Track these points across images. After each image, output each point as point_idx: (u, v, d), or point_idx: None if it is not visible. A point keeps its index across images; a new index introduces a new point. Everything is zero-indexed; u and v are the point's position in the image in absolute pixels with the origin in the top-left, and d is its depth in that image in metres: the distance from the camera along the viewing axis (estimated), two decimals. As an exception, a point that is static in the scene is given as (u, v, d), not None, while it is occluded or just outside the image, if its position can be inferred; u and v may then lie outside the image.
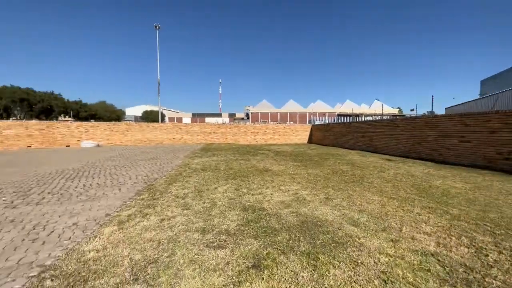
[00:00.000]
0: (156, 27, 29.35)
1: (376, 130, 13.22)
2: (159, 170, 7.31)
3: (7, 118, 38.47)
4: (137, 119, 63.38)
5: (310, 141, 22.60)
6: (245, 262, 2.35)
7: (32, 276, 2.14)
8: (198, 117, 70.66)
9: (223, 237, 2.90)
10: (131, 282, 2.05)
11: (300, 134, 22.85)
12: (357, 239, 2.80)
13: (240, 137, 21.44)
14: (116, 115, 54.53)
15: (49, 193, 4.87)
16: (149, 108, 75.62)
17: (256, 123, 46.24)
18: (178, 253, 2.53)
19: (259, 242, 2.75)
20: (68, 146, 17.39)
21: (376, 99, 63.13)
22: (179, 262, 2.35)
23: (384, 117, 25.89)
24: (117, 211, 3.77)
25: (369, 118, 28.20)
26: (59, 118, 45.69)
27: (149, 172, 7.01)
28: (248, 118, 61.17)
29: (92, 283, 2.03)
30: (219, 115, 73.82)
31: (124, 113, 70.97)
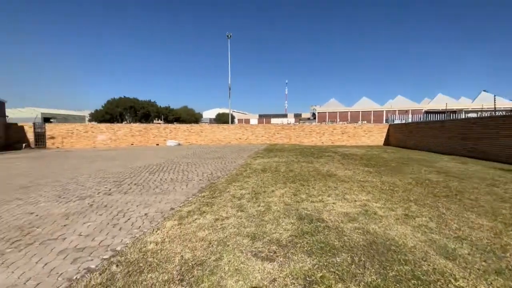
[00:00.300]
0: (228, 36, 31.73)
1: (486, 130, 10.20)
2: (223, 169, 7.70)
3: (121, 122, 49.55)
4: (211, 121, 70.59)
5: (387, 143, 19.65)
6: (293, 283, 2.03)
7: (104, 259, 2.45)
8: (264, 118, 72.85)
9: (273, 247, 2.65)
10: (177, 282, 2.06)
11: (374, 135, 20.19)
12: (453, 281, 2.04)
13: (304, 138, 20.70)
14: (195, 118, 62.22)
15: (135, 184, 5.78)
16: (221, 111, 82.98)
17: (323, 123, 43.93)
18: (225, 258, 2.43)
19: (313, 260, 2.37)
20: (158, 144, 20.81)
21: (483, 90, 49.60)
22: (224, 269, 2.24)
23: (498, 113, 19.88)
24: (180, 206, 4.07)
25: (472, 115, 22.27)
26: (154, 122, 55.70)
27: (214, 170, 7.47)
28: (314, 118, 58.92)
29: (145, 276, 2.14)
30: (284, 115, 74.03)
31: (201, 116, 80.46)
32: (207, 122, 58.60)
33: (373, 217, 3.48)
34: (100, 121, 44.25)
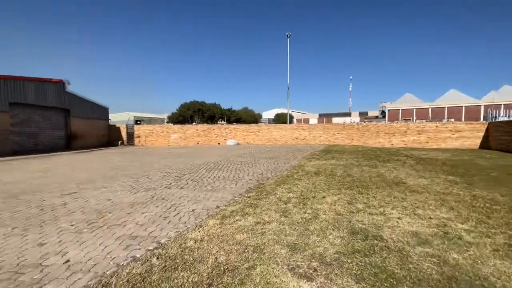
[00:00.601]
0: (287, 35, 31.43)
1: None
2: (274, 170, 7.54)
3: (191, 123, 55.69)
4: (270, 121, 71.67)
5: (485, 145, 15.56)
6: (332, 315, 1.67)
7: (149, 250, 2.63)
8: (325, 117, 69.27)
9: (314, 264, 2.30)
10: (205, 286, 1.99)
11: (465, 136, 16.33)
12: None
13: (369, 139, 18.50)
14: (254, 119, 64.42)
15: (192, 180, 6.24)
16: (280, 111, 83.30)
17: (395, 122, 38.43)
18: (258, 268, 2.24)
19: (361, 289, 1.93)
20: (219, 143, 22.38)
21: None
22: (254, 280, 2.06)
23: None
24: (225, 205, 4.11)
25: None
26: (218, 122, 60.45)
27: (265, 171, 7.40)
28: (384, 116, 52.33)
29: (178, 274, 2.16)
30: (347, 114, 68.53)
31: (260, 116, 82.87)
32: (265, 123, 59.81)
33: (456, 242, 2.66)
34: (175, 123, 50.73)
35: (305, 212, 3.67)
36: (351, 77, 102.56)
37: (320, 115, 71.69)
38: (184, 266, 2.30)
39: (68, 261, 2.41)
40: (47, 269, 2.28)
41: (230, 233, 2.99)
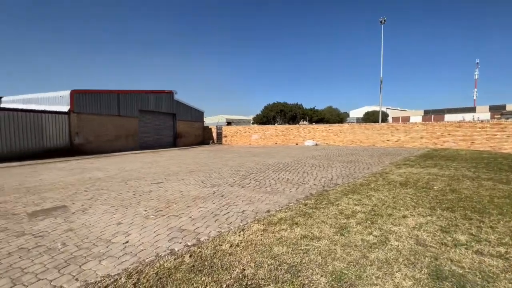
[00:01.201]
0: (381, 21, 27.31)
1: None
2: (348, 176, 6.55)
3: (273, 124, 57.61)
4: (358, 120, 64.61)
5: None
6: None
7: (187, 245, 2.71)
8: (432, 114, 55.87)
9: (360, 310, 1.70)
10: (218, 301, 1.81)
11: None
12: None
13: (504, 142, 13.33)
14: (339, 118, 59.85)
15: (255, 180, 6.27)
16: (371, 109, 73.69)
17: (556, 118, 26.33)
18: (283, 295, 1.87)
19: None
20: (297, 144, 21.97)
21: None
22: (272, 309, 1.71)
23: None
24: (276, 211, 3.81)
25: None
26: (300, 123, 59.79)
27: (336, 176, 6.54)
28: (536, 110, 36.93)
29: (200, 278, 2.09)
30: (470, 109, 52.59)
31: (347, 115, 76.18)
32: (353, 122, 54.26)
33: None
34: (259, 124, 53.85)
35: (370, 233, 2.89)
36: (477, 61, 77.22)
37: (426, 112, 58.43)
38: (209, 270, 2.20)
39: (127, 242, 2.81)
40: (111, 245, 2.73)
41: (269, 243, 2.70)
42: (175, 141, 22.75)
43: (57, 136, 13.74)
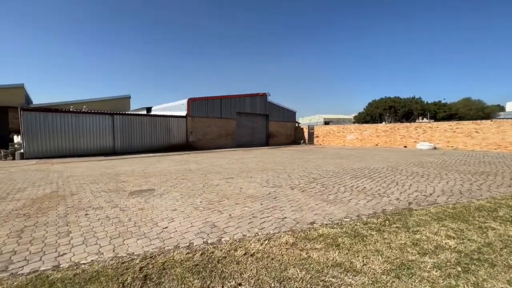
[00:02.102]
0: None
1: None
2: (461, 193, 4.58)
3: (380, 122, 49.74)
4: (520, 115, 44.85)
5: None
6: None
7: (206, 242, 2.68)
8: None
9: None
10: (191, 311, 1.65)
11: None
12: None
13: None
14: (483, 113, 43.92)
15: (322, 185, 5.54)
16: (549, 97, 49.43)
17: None
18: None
19: None
20: (405, 146, 17.84)
21: None
22: None
23: None
24: (322, 224, 3.15)
25: None
26: (418, 120, 48.41)
27: (439, 191, 4.73)
28: None
29: (193, 280, 1.99)
30: None
31: (501, 108, 54.77)
32: (507, 118, 38.05)
33: None
34: (362, 123, 48.11)
35: (449, 288, 1.84)
36: None
37: None
38: (206, 274, 2.08)
39: (166, 227, 3.14)
40: (154, 228, 3.13)
41: (287, 262, 2.25)
42: (267, 141, 24.05)
43: (179, 135, 17.73)
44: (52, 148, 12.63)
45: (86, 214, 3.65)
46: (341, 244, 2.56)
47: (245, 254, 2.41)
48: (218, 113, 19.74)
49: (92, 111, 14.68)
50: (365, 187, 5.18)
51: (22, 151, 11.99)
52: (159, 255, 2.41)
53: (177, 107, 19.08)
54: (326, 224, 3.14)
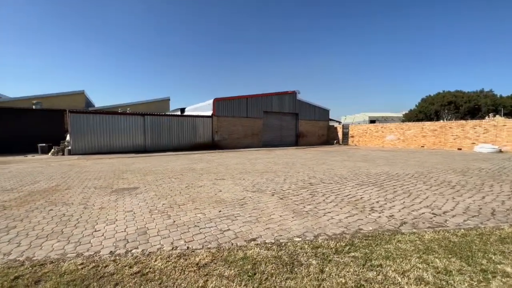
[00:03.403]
0: None
1: None
2: (481, 211, 3.33)
3: (437, 120, 43.22)
4: None
5: None
6: None
7: (126, 248, 2.40)
8: None
9: None
10: None
11: None
12: None
13: None
14: None
15: (311, 193, 4.79)
16: None
17: None
18: None
19: None
20: (460, 149, 14.88)
21: None
22: None
23: None
24: (263, 242, 2.56)
25: None
26: (489, 118, 40.51)
27: (462, 209, 3.54)
28: None
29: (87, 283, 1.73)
30: None
31: None
32: None
33: None
34: (414, 121, 42.65)
35: None
36: None
37: None
38: (95, 282, 1.78)
39: (98, 231, 2.98)
40: (88, 230, 3.00)
41: (180, 285, 1.81)
42: (297, 141, 23.04)
43: (204, 134, 18.24)
44: (93, 145, 14.29)
45: (51, 210, 3.78)
46: (256, 275, 1.98)
47: (137, 272, 2.05)
48: (244, 112, 19.68)
49: (126, 113, 16.14)
50: (361, 198, 4.26)
51: (69, 148, 13.86)
52: (51, 263, 2.22)
53: (205, 107, 19.67)
54: (266, 243, 2.55)
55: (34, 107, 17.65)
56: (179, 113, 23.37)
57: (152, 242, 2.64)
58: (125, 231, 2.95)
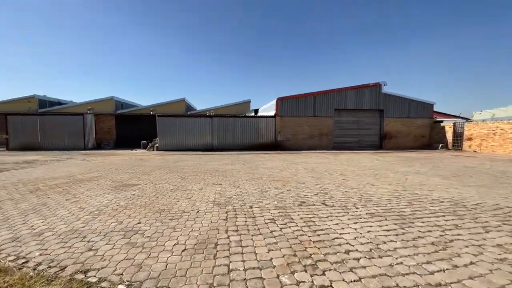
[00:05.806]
0: None
1: None
2: None
3: None
4: None
5: None
6: None
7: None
8: None
9: None
10: None
11: None
12: None
13: None
14: None
15: (368, 211, 3.43)
16: None
17: None
18: None
19: None
20: None
21: None
22: None
23: None
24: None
25: None
26: None
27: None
28: None
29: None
30: None
31: None
32: None
33: None
34: None
35: None
36: None
37: None
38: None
39: (16, 227, 3.18)
40: (17, 226, 3.26)
41: None
42: (381, 143, 18.82)
43: (267, 134, 17.97)
44: (173, 143, 17.02)
45: (48, 197, 4.49)
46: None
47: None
48: (311, 111, 17.96)
49: (197, 115, 18.22)
50: (347, 234, 2.60)
51: (157, 145, 17.12)
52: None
53: (271, 107, 19.40)
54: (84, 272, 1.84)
55: (151, 113, 23.13)
56: (253, 114, 24.28)
57: (22, 249, 2.50)
58: (34, 229, 3.01)
